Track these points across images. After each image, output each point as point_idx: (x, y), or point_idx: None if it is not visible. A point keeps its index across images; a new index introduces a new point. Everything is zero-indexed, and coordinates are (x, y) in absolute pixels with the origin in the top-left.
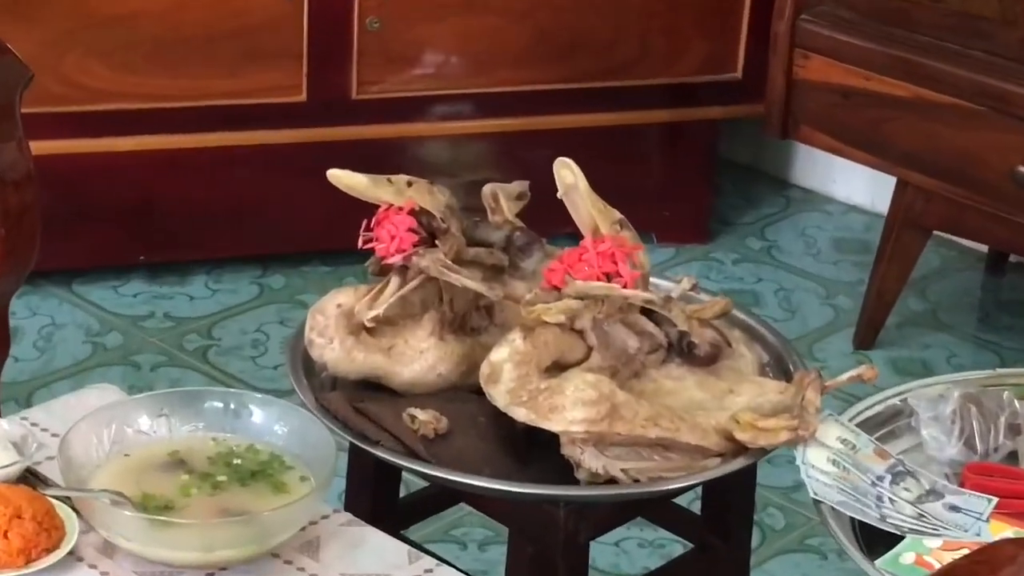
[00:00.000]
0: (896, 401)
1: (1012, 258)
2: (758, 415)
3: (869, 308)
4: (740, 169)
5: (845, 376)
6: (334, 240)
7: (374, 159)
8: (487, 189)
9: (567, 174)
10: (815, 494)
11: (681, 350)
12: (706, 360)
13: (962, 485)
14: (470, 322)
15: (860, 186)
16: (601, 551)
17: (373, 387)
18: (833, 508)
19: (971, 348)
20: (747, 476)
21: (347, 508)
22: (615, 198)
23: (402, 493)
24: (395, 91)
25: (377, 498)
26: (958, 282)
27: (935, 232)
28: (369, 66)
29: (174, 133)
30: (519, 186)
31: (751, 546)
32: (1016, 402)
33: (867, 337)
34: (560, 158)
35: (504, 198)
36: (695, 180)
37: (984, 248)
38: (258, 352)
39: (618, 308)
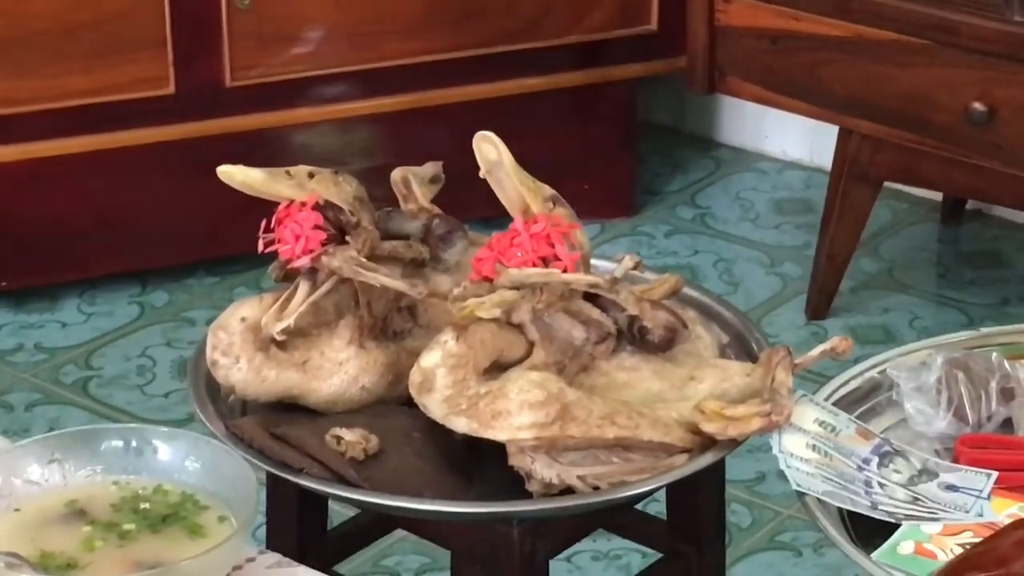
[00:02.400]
0: (874, 374)
1: (969, 204)
2: (725, 402)
3: (820, 273)
4: (661, 132)
5: (816, 351)
6: (219, 247)
7: (257, 152)
8: (396, 174)
9: (489, 149)
10: (798, 485)
11: (632, 337)
12: (661, 346)
13: (956, 461)
14: (392, 326)
15: (795, 139)
16: (553, 569)
17: (289, 408)
18: (819, 499)
19: (934, 308)
20: (715, 472)
21: (269, 547)
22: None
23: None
24: (274, 75)
25: (303, 533)
26: (913, 237)
27: (884, 184)
28: (242, 49)
29: (28, 141)
30: (432, 168)
31: (725, 551)
32: (1007, 363)
33: (820, 305)
34: (480, 132)
35: (416, 183)
36: (614, 148)
37: (938, 197)
38: (145, 380)
39: (559, 296)
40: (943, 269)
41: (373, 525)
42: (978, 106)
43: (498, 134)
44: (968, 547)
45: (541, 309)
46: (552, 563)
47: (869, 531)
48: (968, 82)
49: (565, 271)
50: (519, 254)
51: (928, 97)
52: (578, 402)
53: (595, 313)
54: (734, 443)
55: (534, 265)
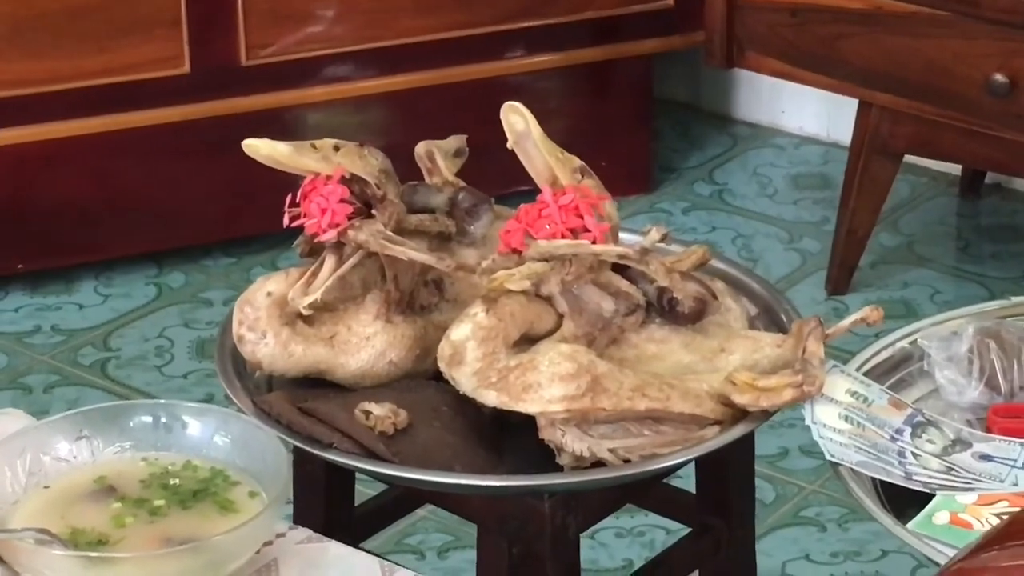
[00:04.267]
0: (905, 344)
1: (988, 178)
2: (756, 374)
3: (840, 248)
4: (678, 108)
5: (847, 321)
6: (236, 227)
7: (272, 132)
8: (421, 148)
9: (517, 120)
10: (832, 456)
11: (662, 308)
12: (691, 317)
13: (988, 431)
14: (418, 299)
15: (812, 114)
16: None
17: (316, 383)
18: (853, 470)
19: (954, 282)
20: (745, 444)
21: (296, 523)
22: None
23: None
24: (289, 53)
25: (331, 509)
26: (932, 210)
27: (904, 158)
28: (258, 27)
29: (44, 122)
30: (456, 141)
31: (755, 525)
32: None
33: (841, 280)
34: (508, 103)
35: (440, 156)
36: (631, 124)
37: (957, 171)
38: (163, 360)
39: (588, 268)
40: (963, 243)
41: (399, 502)
42: (999, 77)
43: None
44: (1004, 517)
45: (570, 281)
46: None
47: (902, 502)
48: (989, 53)
49: (594, 242)
50: (548, 226)
51: (948, 69)
52: (609, 374)
53: (624, 285)
54: (766, 414)
55: (563, 237)
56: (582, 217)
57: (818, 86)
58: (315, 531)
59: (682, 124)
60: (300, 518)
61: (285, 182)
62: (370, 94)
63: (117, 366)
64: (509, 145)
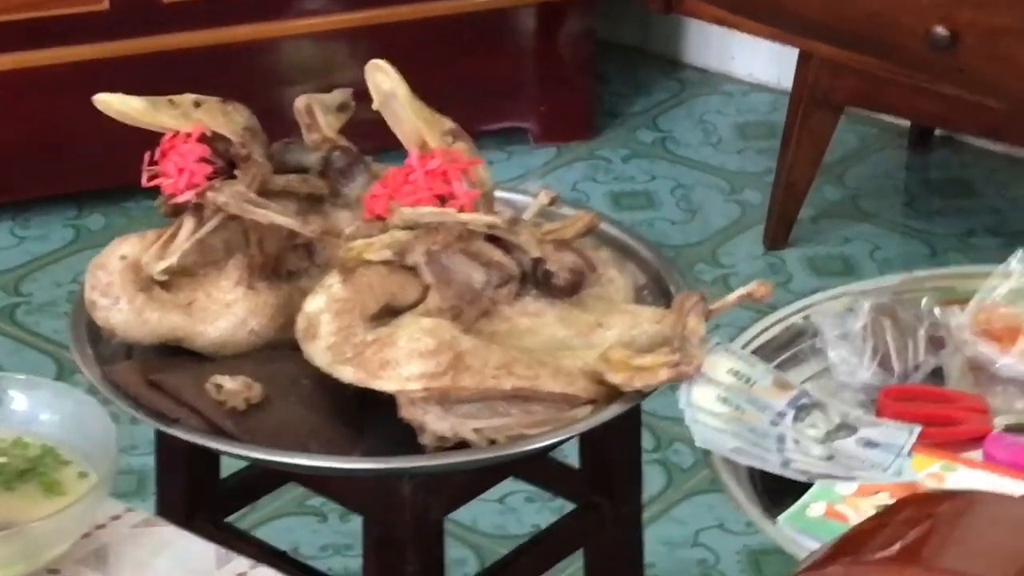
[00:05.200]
0: (798, 319)
1: (938, 131)
2: (632, 351)
3: (778, 201)
4: (626, 52)
5: (733, 296)
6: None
7: (194, 73)
8: (300, 102)
9: (383, 79)
10: (703, 442)
11: (537, 280)
12: (566, 290)
13: (879, 414)
14: (286, 265)
15: (763, 61)
16: (484, 510)
17: (178, 351)
18: (726, 458)
19: (897, 239)
20: (628, 422)
21: (160, 498)
22: (482, 95)
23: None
24: None
25: (194, 483)
26: (879, 163)
27: (848, 109)
28: None
29: None
30: (340, 95)
31: (641, 501)
32: (937, 309)
33: (779, 235)
34: (373, 61)
35: (321, 111)
36: (574, 68)
37: (907, 122)
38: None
39: (457, 236)
40: (909, 198)
41: (267, 476)
42: (940, 30)
43: (452, 55)
44: (882, 509)
45: (437, 251)
46: (485, 505)
47: (783, 490)
48: (931, 4)
49: (462, 210)
50: (414, 192)
51: (890, 20)
52: (473, 351)
53: (497, 255)
54: (641, 395)
55: (429, 203)
56: (450, 183)
57: (758, 35)
58: (179, 506)
59: (629, 68)
60: (163, 493)
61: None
62: (300, 33)
63: (26, 312)
64: (375, 106)
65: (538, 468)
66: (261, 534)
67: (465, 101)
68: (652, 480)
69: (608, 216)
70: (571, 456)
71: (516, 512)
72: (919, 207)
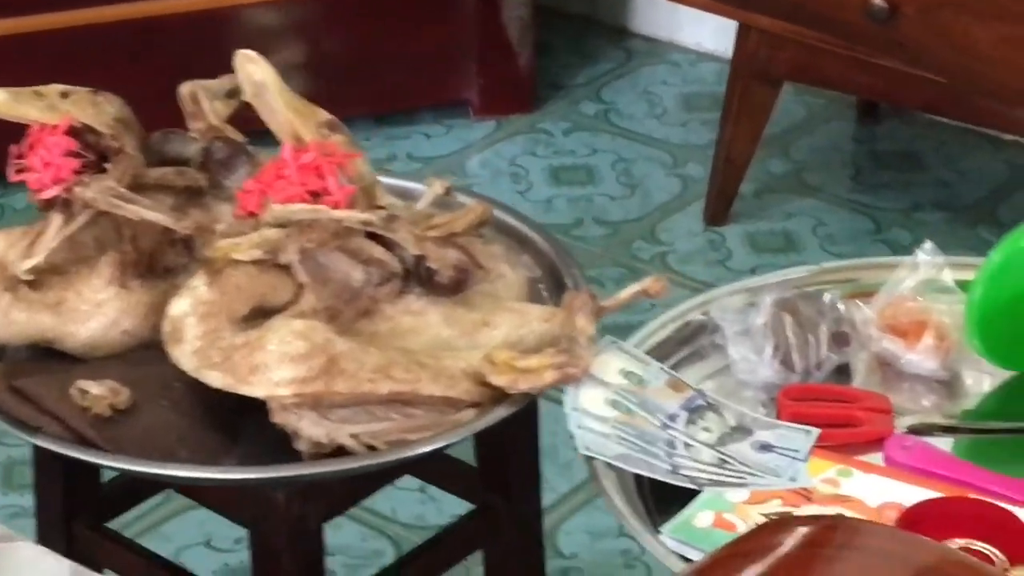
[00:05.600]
0: (699, 315)
1: None
2: (518, 352)
3: (718, 177)
4: (572, 21)
5: (626, 292)
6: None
7: (75, 52)
8: (184, 88)
9: (253, 69)
10: (586, 449)
11: (420, 278)
12: (450, 288)
13: (779, 414)
14: (163, 261)
15: (711, 30)
16: (403, 499)
17: (52, 352)
18: (610, 464)
19: (842, 214)
20: (524, 422)
21: (38, 501)
22: (420, 67)
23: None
24: None
25: (70, 487)
26: (826, 135)
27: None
28: None
29: None
30: (228, 81)
31: (540, 503)
32: (841, 305)
33: (719, 211)
34: (242, 51)
35: (207, 98)
36: (515, 39)
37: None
38: None
39: (334, 233)
40: (855, 171)
41: (146, 481)
42: (879, 2)
43: (387, 24)
44: (774, 517)
45: (312, 249)
46: (405, 494)
47: (676, 498)
48: None
49: (336, 207)
50: (286, 188)
51: None
52: (348, 354)
53: (378, 252)
54: (527, 397)
55: (302, 200)
56: (324, 178)
57: (695, 6)
58: (56, 512)
59: (574, 38)
60: (42, 500)
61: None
62: (230, 5)
63: None
64: (247, 97)
65: (434, 467)
66: (174, 527)
67: (402, 73)
68: (576, 470)
69: (505, 204)
70: (472, 454)
71: (437, 502)
72: (865, 181)
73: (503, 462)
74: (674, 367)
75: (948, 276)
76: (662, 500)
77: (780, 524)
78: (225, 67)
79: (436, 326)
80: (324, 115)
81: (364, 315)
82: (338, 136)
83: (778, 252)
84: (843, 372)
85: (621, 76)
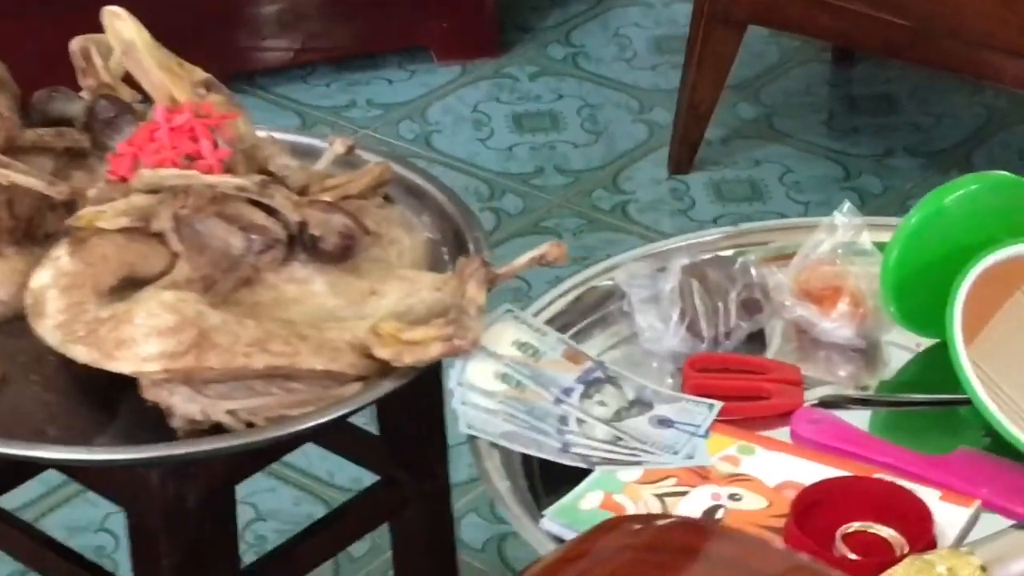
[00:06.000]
0: (607, 281)
1: None
2: (406, 323)
3: (681, 123)
4: None
5: (523, 259)
6: None
7: None
8: (75, 43)
9: (121, 27)
10: (469, 427)
11: (305, 245)
12: (336, 255)
13: (683, 387)
14: (43, 227)
15: None
16: (341, 463)
17: None
18: (494, 444)
19: (811, 160)
20: (425, 395)
21: None
22: (381, 11)
23: None
24: None
25: None
26: (800, 79)
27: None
28: None
29: None
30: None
31: (447, 478)
32: (755, 270)
33: (683, 158)
34: (108, 8)
35: (99, 54)
36: None
37: None
38: None
39: (210, 199)
40: (828, 116)
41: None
42: None
43: None
44: (670, 496)
45: (187, 215)
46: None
47: (569, 479)
48: None
49: (210, 171)
50: (158, 151)
51: None
52: (221, 327)
53: (259, 217)
54: (414, 371)
55: (174, 164)
56: (197, 141)
57: None
58: None
59: None
60: None
61: None
62: None
63: None
64: (117, 57)
65: (340, 438)
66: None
67: (364, 17)
68: None
69: (411, 163)
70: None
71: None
72: (838, 126)
73: (405, 435)
74: (577, 337)
75: (867, 238)
76: (556, 481)
77: (616, 525)
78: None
79: (322, 295)
80: (201, 74)
81: (245, 284)
82: (216, 96)
83: (742, 201)
84: (758, 341)
85: (592, 18)
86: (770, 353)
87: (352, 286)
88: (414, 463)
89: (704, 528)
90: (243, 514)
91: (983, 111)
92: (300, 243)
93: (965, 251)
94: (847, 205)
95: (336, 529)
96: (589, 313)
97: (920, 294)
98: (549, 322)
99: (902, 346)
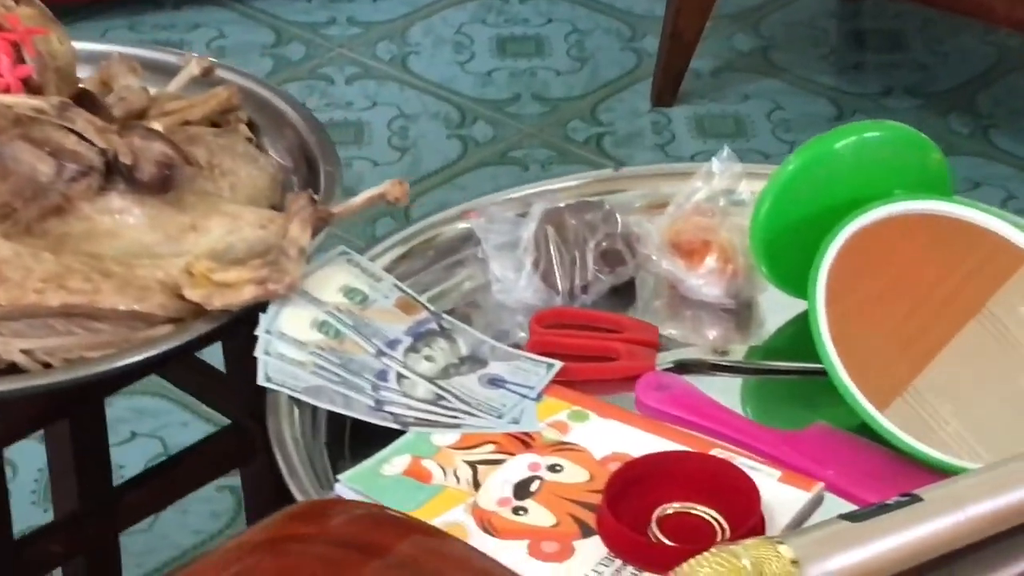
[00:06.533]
0: (465, 224)
1: None
2: (225, 263)
3: (664, 52)
4: None
5: (360, 198)
6: None
7: None
8: None
9: None
10: (266, 379)
11: (124, 174)
12: (154, 186)
13: (528, 343)
14: None
15: None
16: None
17: None
18: (294, 399)
19: (803, 97)
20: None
21: None
22: None
23: None
24: None
25: None
26: (805, 10)
27: None
28: None
29: None
30: None
31: None
32: (620, 218)
33: (666, 90)
34: None
35: None
36: None
37: None
38: None
39: (13, 121)
40: (828, 51)
41: None
42: None
43: None
44: (484, 464)
45: None
46: None
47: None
48: None
49: (7, 91)
50: None
51: None
52: (13, 260)
53: (71, 142)
54: (228, 315)
55: None
56: None
57: None
58: None
59: None
60: None
61: None
62: None
63: None
64: None
65: (189, 377)
66: None
67: None
68: None
69: (278, 88)
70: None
71: None
72: (839, 61)
73: (249, 381)
74: (425, 285)
75: (746, 187)
76: (378, 445)
77: (304, 512)
78: None
79: (138, 229)
80: None
81: (55, 214)
82: (26, 9)
83: (725, 137)
84: (627, 296)
85: None
86: (637, 311)
87: (172, 220)
88: (259, 409)
89: (389, 522)
90: (152, 449)
91: (993, 51)
92: (119, 172)
93: (848, 207)
94: (726, 150)
95: (171, 476)
96: (441, 259)
97: (794, 252)
98: (393, 267)
99: (782, 308)
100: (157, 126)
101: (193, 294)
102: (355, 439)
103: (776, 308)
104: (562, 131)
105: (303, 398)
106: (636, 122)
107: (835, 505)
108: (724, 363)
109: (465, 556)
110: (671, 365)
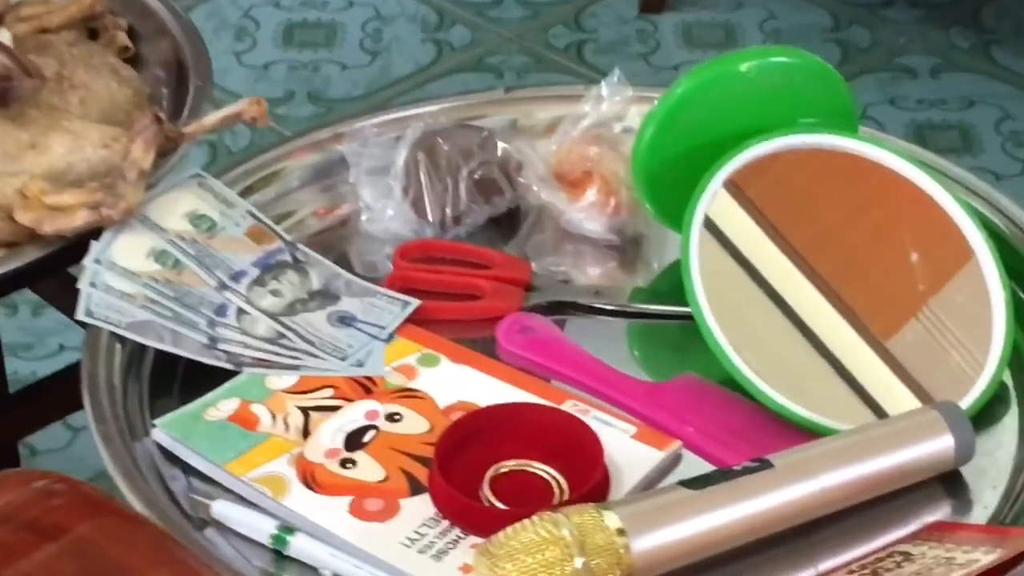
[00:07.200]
0: (338, 147)
1: None
2: (63, 184)
3: None
4: None
5: (215, 116)
6: None
7: None
8: None
9: None
10: (87, 313)
11: None
12: None
13: (388, 279)
14: None
15: None
16: None
17: None
18: (119, 336)
19: (798, 6)
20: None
21: None
22: None
23: None
24: None
25: None
26: None
27: None
28: None
29: None
30: None
31: None
32: (501, 144)
33: None
34: None
35: None
36: None
37: None
38: None
39: None
40: None
41: None
42: None
43: None
44: (318, 411)
45: None
46: None
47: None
48: None
49: None
50: None
51: None
52: None
53: None
54: (63, 239)
55: None
56: None
57: None
58: None
59: None
60: None
61: None
62: None
63: None
64: None
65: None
66: None
67: None
68: None
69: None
70: None
71: None
72: None
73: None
74: (288, 213)
75: (635, 113)
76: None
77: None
78: None
79: None
80: None
81: None
82: None
83: (712, 48)
84: (508, 228)
85: None
86: (516, 246)
87: (10, 137)
88: None
89: (78, 501)
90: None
91: None
92: None
93: (740, 138)
94: (617, 73)
95: (34, 403)
96: (311, 183)
97: (681, 185)
98: (250, 190)
99: (675, 246)
100: (7, 34)
101: (24, 217)
102: (190, 383)
103: (668, 246)
104: (543, 37)
105: (126, 334)
106: (621, 29)
107: (699, 466)
108: (600, 305)
109: (158, 544)
110: (542, 306)
